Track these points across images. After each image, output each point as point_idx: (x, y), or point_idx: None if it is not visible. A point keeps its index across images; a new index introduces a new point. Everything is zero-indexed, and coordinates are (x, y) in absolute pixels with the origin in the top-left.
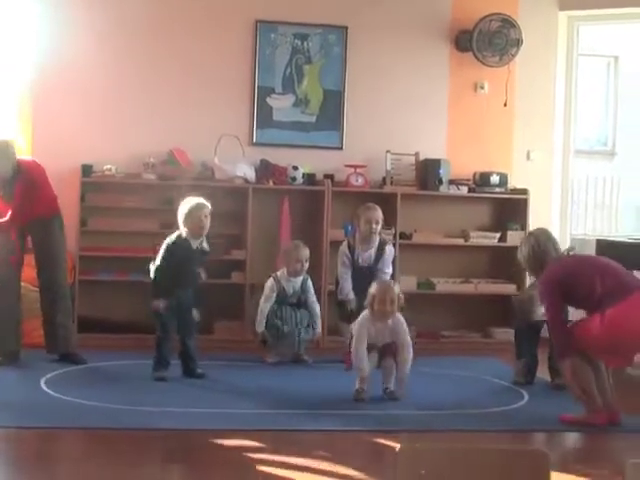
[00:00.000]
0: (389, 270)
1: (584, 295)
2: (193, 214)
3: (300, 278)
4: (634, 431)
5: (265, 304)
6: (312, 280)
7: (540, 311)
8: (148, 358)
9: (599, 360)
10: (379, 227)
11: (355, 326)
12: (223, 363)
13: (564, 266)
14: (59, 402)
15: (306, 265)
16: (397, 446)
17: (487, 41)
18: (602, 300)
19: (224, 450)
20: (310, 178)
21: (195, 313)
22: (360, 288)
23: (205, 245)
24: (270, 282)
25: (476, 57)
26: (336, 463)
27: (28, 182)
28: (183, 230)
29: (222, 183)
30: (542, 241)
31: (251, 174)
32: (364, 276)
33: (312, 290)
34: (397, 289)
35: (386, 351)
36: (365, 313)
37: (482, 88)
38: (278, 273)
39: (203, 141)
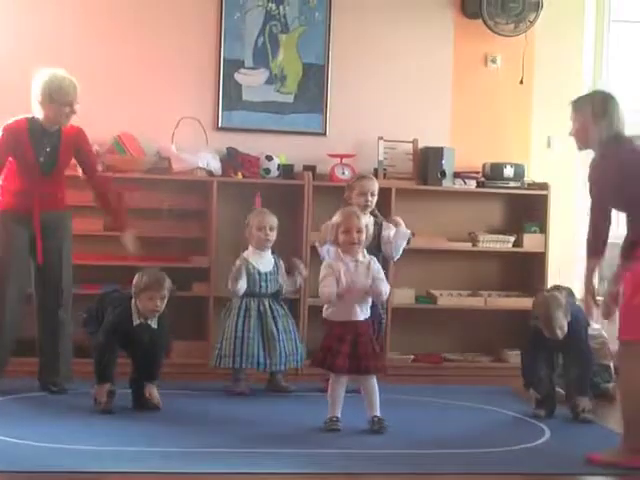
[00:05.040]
0: (397, 254)
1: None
2: None
3: (270, 256)
4: None
5: (238, 274)
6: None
7: (564, 327)
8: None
9: None
10: (374, 200)
11: (322, 268)
12: (181, 392)
13: (632, 155)
14: None
15: (272, 235)
16: None
17: (500, 5)
18: None
19: None
20: (287, 170)
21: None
22: None
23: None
24: (238, 263)
25: (487, 24)
26: None
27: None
28: None
29: (181, 176)
30: (615, 101)
31: (216, 165)
32: None
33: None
34: (364, 218)
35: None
36: (332, 252)
37: (494, 62)
38: (244, 253)
39: (157, 125)
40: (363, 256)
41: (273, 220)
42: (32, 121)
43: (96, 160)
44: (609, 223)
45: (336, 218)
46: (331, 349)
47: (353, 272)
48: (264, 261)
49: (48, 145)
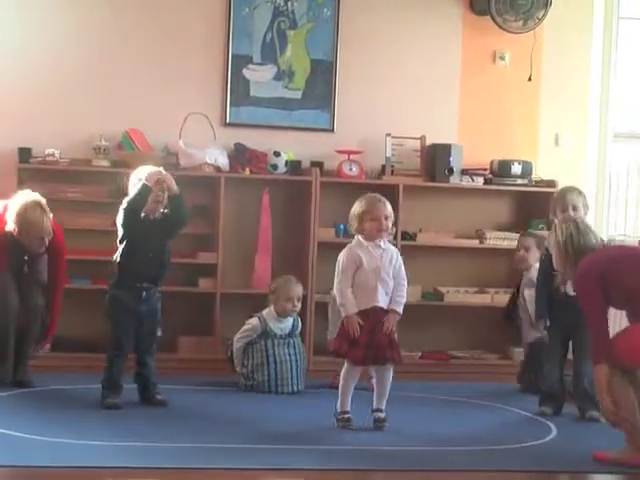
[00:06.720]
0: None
1: (628, 294)
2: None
3: (291, 320)
4: None
5: (241, 340)
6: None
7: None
8: (98, 382)
9: None
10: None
11: (340, 259)
12: (188, 387)
13: (608, 256)
14: None
15: (298, 305)
16: None
17: (509, 2)
18: None
19: None
20: (295, 166)
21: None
22: None
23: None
24: (254, 321)
25: (495, 21)
26: None
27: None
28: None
29: (188, 171)
30: (583, 228)
31: (223, 161)
32: None
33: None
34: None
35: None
36: (353, 242)
37: (502, 59)
38: (264, 312)
39: (165, 121)
40: (385, 243)
41: (300, 290)
42: (10, 236)
43: (64, 260)
44: (607, 323)
45: (360, 206)
46: (349, 338)
47: (378, 259)
48: (283, 326)
49: (25, 255)
